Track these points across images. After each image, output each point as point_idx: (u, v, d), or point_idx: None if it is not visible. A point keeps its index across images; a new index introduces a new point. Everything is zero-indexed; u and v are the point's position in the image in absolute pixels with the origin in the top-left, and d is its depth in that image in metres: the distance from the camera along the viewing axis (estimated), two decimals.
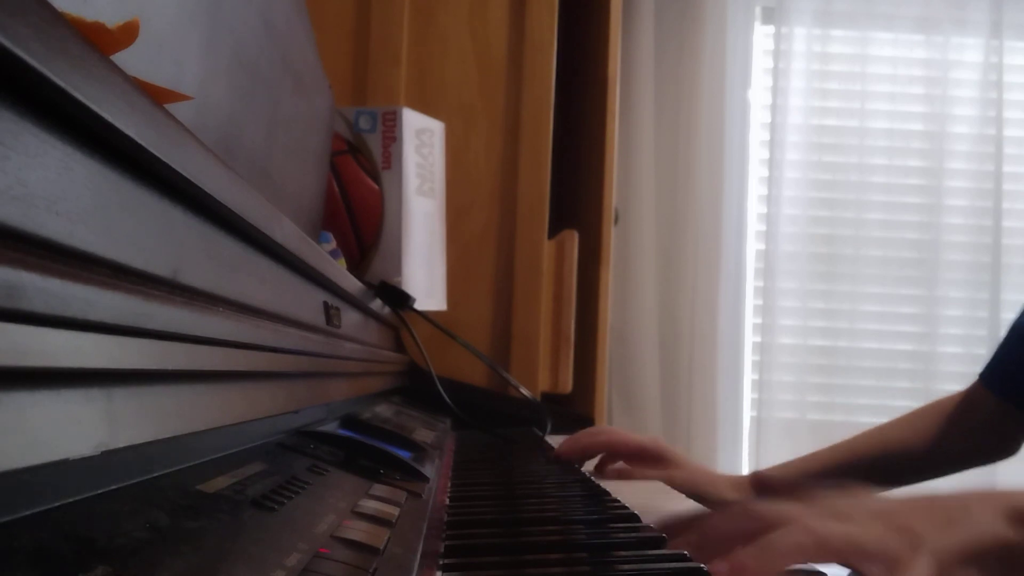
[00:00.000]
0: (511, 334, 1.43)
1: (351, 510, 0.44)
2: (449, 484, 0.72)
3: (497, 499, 0.67)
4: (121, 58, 0.35)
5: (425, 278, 1.25)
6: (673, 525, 0.51)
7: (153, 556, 0.26)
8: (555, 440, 1.15)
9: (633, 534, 0.53)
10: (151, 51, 0.43)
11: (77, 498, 0.28)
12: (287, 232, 0.52)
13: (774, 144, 2.23)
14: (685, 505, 0.78)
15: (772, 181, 2.23)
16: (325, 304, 0.69)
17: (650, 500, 0.76)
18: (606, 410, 1.65)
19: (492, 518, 0.60)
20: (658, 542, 0.50)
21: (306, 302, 0.63)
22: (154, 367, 0.31)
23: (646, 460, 0.92)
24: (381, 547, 0.39)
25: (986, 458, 0.96)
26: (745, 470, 2.19)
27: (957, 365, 2.19)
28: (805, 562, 0.44)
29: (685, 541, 0.47)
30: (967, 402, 0.95)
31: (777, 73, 2.24)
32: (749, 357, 2.25)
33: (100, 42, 0.33)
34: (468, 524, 0.56)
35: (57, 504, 0.26)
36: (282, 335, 0.50)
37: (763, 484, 0.95)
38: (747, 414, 2.25)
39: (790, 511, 0.46)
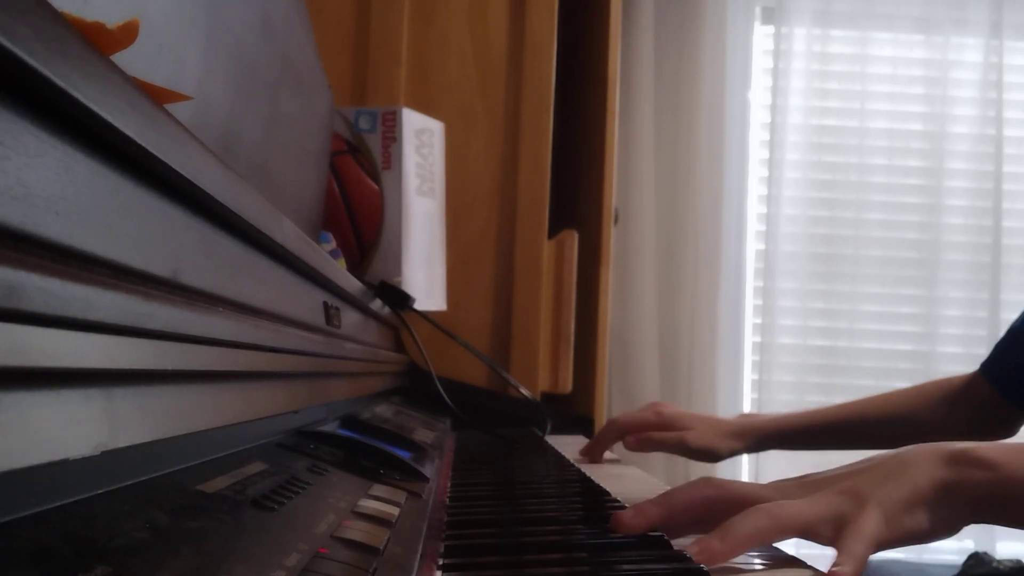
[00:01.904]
0: (511, 334, 1.43)
1: (351, 510, 0.44)
2: (449, 484, 0.72)
3: (497, 499, 0.67)
4: (121, 58, 0.35)
5: (425, 278, 1.25)
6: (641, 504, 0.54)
7: (153, 556, 0.26)
8: (555, 440, 1.16)
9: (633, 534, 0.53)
10: (151, 51, 0.43)
11: (77, 498, 0.28)
12: (287, 232, 0.52)
13: (774, 144, 2.23)
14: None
15: (772, 181, 2.23)
16: (325, 304, 0.69)
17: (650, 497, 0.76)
18: (606, 410, 1.64)
19: (492, 518, 0.60)
20: (658, 542, 0.50)
21: (306, 302, 0.63)
22: (154, 367, 0.31)
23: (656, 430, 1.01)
24: (381, 547, 0.39)
25: (981, 438, 1.00)
26: (744, 470, 2.19)
27: (957, 365, 2.19)
28: (765, 542, 0.48)
29: (654, 513, 0.50)
30: (969, 386, 0.98)
31: (777, 73, 2.24)
32: (749, 357, 2.25)
33: (100, 42, 0.33)
34: (468, 524, 0.56)
35: (57, 504, 0.26)
36: (282, 335, 0.50)
37: (757, 437, 1.02)
38: None
39: (747, 489, 0.50)
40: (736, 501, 0.49)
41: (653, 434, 0.99)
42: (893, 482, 0.49)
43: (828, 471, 0.53)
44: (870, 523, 0.47)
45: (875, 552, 0.47)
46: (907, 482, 0.49)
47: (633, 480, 0.92)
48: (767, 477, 1.91)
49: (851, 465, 0.53)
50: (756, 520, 0.46)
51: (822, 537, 0.47)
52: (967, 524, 0.51)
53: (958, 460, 0.51)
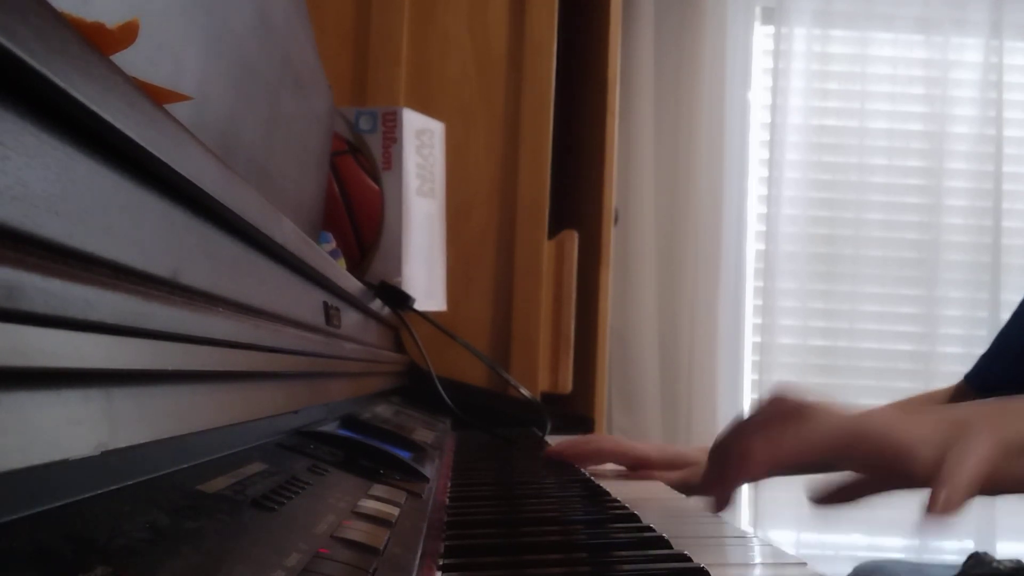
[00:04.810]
0: (511, 334, 1.43)
1: (351, 510, 0.44)
2: (449, 484, 0.72)
3: (497, 499, 0.67)
4: (121, 58, 0.35)
5: (425, 278, 1.25)
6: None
7: (153, 556, 0.26)
8: (555, 440, 1.15)
9: (633, 534, 0.53)
10: (151, 51, 0.43)
11: (77, 498, 0.28)
12: (287, 232, 0.52)
13: (774, 144, 2.23)
14: (684, 502, 0.78)
15: (772, 181, 2.23)
16: (325, 304, 0.69)
17: (650, 497, 0.76)
18: (606, 410, 1.65)
19: (492, 518, 0.60)
20: (658, 542, 0.50)
21: (306, 302, 0.63)
22: (154, 367, 0.31)
23: (655, 468, 0.91)
24: (381, 547, 0.39)
25: None
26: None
27: (957, 365, 2.18)
28: (839, 454, 0.41)
29: (723, 440, 0.45)
30: (954, 397, 0.97)
31: (777, 73, 2.24)
32: (749, 357, 2.25)
33: (100, 42, 0.33)
34: (468, 524, 0.56)
35: (57, 504, 0.26)
36: (282, 335, 0.50)
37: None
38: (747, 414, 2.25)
39: (832, 405, 0.43)
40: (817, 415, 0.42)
41: (657, 475, 0.89)
42: (1009, 418, 0.42)
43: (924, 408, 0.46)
44: (983, 448, 0.38)
45: (979, 489, 0.38)
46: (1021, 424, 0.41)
47: (634, 480, 0.92)
48: (764, 492, 1.89)
49: (949, 406, 0.46)
50: (833, 425, 0.40)
51: (916, 460, 0.39)
52: None
53: None
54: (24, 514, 0.24)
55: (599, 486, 0.74)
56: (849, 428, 0.40)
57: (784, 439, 0.40)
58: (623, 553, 0.48)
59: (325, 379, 0.66)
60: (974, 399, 0.94)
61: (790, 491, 2.23)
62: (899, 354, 2.25)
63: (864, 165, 2.25)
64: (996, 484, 0.39)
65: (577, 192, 1.66)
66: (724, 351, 2.18)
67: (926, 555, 1.96)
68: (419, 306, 1.11)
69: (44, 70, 0.23)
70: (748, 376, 2.25)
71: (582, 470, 0.90)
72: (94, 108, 0.26)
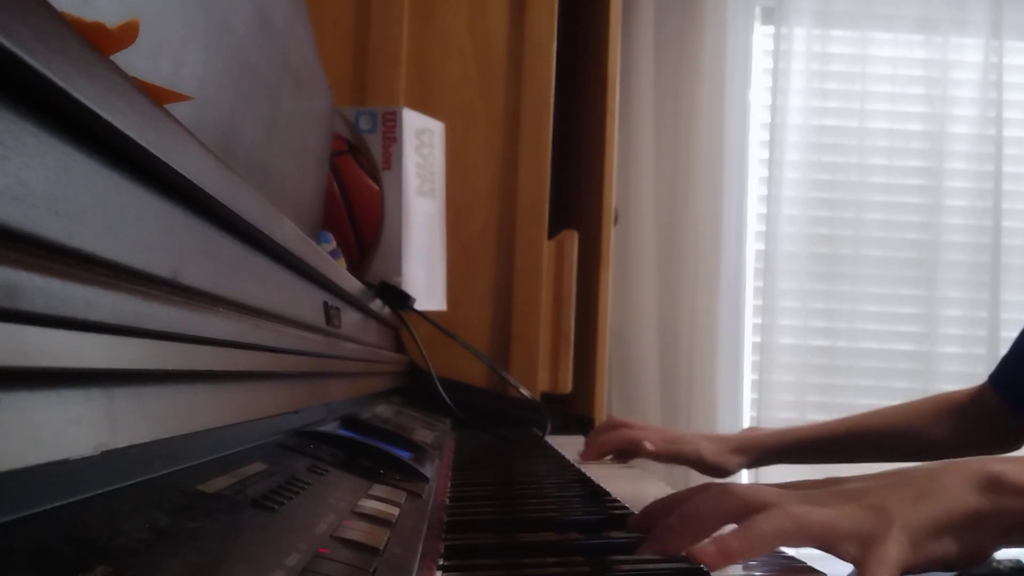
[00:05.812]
0: (511, 334, 1.43)
1: (351, 510, 0.44)
2: (449, 484, 0.72)
3: (497, 499, 0.68)
4: (121, 58, 0.35)
5: (425, 278, 1.25)
6: (651, 508, 0.52)
7: (153, 556, 0.26)
8: (555, 440, 1.16)
9: (633, 534, 0.53)
10: (151, 51, 0.43)
11: (77, 498, 0.27)
12: (287, 232, 0.52)
13: (774, 144, 2.23)
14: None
15: (772, 181, 2.23)
16: (325, 304, 0.69)
17: (650, 497, 0.76)
18: (606, 410, 1.64)
19: (492, 519, 0.60)
20: None
21: (306, 302, 0.63)
22: (154, 367, 0.31)
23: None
24: (381, 547, 0.39)
25: (987, 451, 0.99)
26: (744, 470, 2.19)
27: (957, 365, 2.19)
28: (785, 545, 0.47)
29: (664, 523, 0.48)
30: (976, 398, 0.97)
31: (777, 73, 2.24)
32: (749, 357, 2.25)
33: (100, 42, 0.33)
34: (468, 525, 0.56)
35: (57, 504, 0.26)
36: (282, 335, 0.50)
37: (759, 452, 1.05)
38: (747, 414, 2.25)
39: (769, 494, 0.47)
40: (759, 508, 0.46)
41: (674, 446, 1.03)
42: (923, 503, 0.47)
43: (855, 479, 0.51)
44: (896, 547, 0.45)
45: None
46: (937, 505, 0.47)
47: (634, 480, 0.92)
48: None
49: (879, 475, 0.50)
50: (778, 522, 0.45)
51: (844, 553, 0.46)
52: (996, 551, 0.48)
53: (992, 486, 0.48)
54: (24, 514, 0.24)
55: (599, 486, 0.74)
56: (793, 525, 0.45)
57: (736, 539, 0.45)
58: (622, 553, 0.48)
59: (325, 379, 0.66)
60: (998, 400, 0.94)
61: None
62: (899, 354, 2.25)
63: (864, 165, 2.25)
64: (913, 569, 0.46)
65: (577, 192, 1.66)
66: (724, 351, 2.18)
67: None
68: (419, 306, 1.11)
69: (44, 70, 0.23)
70: (748, 376, 2.25)
71: (582, 470, 0.90)
72: (94, 108, 0.26)
